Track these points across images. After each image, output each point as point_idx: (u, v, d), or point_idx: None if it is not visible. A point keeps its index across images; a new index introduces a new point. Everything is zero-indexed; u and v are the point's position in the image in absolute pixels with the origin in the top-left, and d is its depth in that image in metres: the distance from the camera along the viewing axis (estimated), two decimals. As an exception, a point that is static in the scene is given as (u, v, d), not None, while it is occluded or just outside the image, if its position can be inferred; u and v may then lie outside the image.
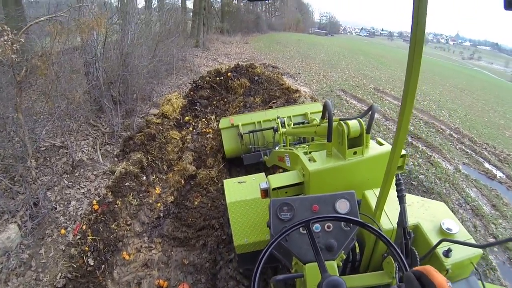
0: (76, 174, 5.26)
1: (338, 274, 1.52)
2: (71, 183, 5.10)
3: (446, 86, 17.75)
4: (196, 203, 4.67)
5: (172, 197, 4.91)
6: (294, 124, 4.79)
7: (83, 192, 4.95)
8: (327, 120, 2.38)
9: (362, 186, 2.20)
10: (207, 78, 7.43)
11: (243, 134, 5.52)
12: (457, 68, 38.57)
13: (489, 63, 71.60)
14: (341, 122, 2.24)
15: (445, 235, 1.88)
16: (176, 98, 6.67)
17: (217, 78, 7.54)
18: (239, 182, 3.37)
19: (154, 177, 5.25)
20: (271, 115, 5.73)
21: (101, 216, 4.45)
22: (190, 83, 7.84)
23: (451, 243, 1.79)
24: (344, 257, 1.68)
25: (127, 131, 6.34)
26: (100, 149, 5.84)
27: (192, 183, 5.03)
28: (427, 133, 8.31)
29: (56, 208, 4.69)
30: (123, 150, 5.57)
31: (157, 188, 5.09)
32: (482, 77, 32.69)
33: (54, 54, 4.92)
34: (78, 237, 4.11)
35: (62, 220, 4.53)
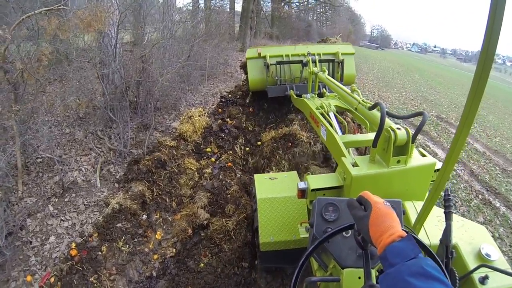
0: (66, 200, 4.55)
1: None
2: (56, 211, 4.44)
3: None
4: (202, 264, 3.74)
5: (174, 250, 4.03)
6: (322, 56, 5.42)
7: (66, 227, 4.21)
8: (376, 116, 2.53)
9: (401, 196, 2.21)
10: (239, 93, 6.24)
11: (270, 64, 5.53)
12: None
13: (549, 88, 66.91)
14: (389, 128, 2.25)
15: (484, 261, 1.89)
16: (199, 115, 5.64)
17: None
18: (270, 178, 3.45)
19: (157, 217, 4.32)
20: (301, 50, 5.73)
21: (78, 265, 3.63)
22: (221, 95, 6.74)
23: (488, 270, 1.78)
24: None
25: (138, 149, 5.40)
26: (102, 170, 5.02)
27: (202, 234, 4.09)
28: (506, 185, 6.68)
29: (31, 243, 3.97)
30: (126, 175, 4.59)
31: (158, 233, 4.17)
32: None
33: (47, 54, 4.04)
34: (44, 291, 3.33)
35: (33, 261, 3.79)
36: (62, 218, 4.22)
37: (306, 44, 6.46)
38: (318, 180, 2.48)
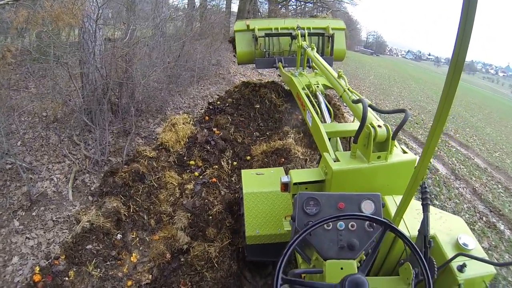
0: (33, 214, 4.23)
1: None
2: (22, 227, 4.12)
3: (508, 128, 17.88)
4: None
5: (150, 277, 3.72)
6: (312, 30, 5.38)
7: (32, 246, 3.88)
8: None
9: (382, 191, 2.12)
10: (229, 100, 5.86)
11: (259, 37, 5.45)
12: (509, 104, 39.85)
13: (541, 99, 69.23)
14: (369, 125, 2.32)
15: (461, 250, 1.95)
16: (184, 123, 5.25)
17: (244, 96, 5.97)
18: (257, 174, 3.55)
19: (133, 236, 4.00)
20: (290, 24, 5.59)
21: None
22: (209, 102, 6.37)
23: (466, 259, 1.85)
24: (364, 257, 1.74)
25: (117, 156, 5.05)
26: (75, 180, 4.62)
27: (181, 259, 3.76)
28: (510, 205, 6.53)
29: None
30: (101, 188, 4.23)
31: (133, 255, 3.86)
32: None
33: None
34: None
35: None
36: (28, 236, 3.88)
37: (295, 18, 6.50)
38: (301, 174, 2.55)
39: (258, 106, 5.95)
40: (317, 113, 3.26)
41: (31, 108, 5.66)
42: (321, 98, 3.93)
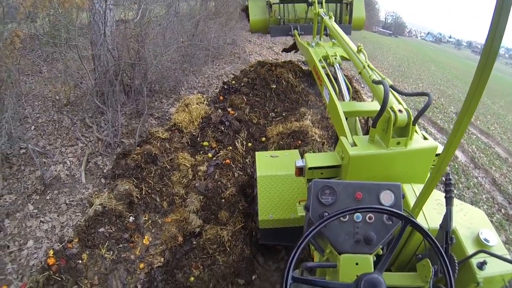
0: (47, 198, 4.24)
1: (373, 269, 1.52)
2: (36, 211, 4.14)
3: None
4: (192, 278, 3.36)
5: (162, 259, 3.66)
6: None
7: (46, 229, 3.92)
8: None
9: (400, 179, 2.09)
10: (245, 79, 5.68)
11: (273, 3, 5.24)
12: None
13: None
14: (389, 109, 2.19)
15: (482, 246, 1.88)
16: (197, 103, 5.11)
17: (260, 76, 5.77)
18: (271, 156, 3.50)
19: (145, 218, 3.95)
20: None
21: (57, 275, 3.27)
22: (224, 81, 6.21)
23: (487, 256, 1.76)
24: (381, 252, 1.66)
25: (130, 138, 4.98)
26: (88, 162, 4.60)
27: (193, 243, 3.70)
28: None
29: (8, 247, 3.66)
30: (113, 171, 4.18)
31: (146, 237, 3.82)
32: None
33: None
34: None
35: (9, 269, 3.48)
36: (42, 220, 3.90)
37: None
38: (316, 158, 2.48)
39: (274, 86, 5.80)
40: (334, 90, 3.07)
41: (44, 92, 5.66)
42: (339, 73, 3.73)
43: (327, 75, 3.31)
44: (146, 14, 6.46)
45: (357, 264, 1.56)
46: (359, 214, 1.67)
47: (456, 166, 6.77)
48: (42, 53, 6.04)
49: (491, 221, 5.05)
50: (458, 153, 7.59)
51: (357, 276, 1.48)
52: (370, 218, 1.68)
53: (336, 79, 3.53)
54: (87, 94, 5.38)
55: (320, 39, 4.51)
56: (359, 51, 3.10)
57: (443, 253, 1.39)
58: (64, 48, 5.60)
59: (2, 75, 4.40)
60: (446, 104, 11.67)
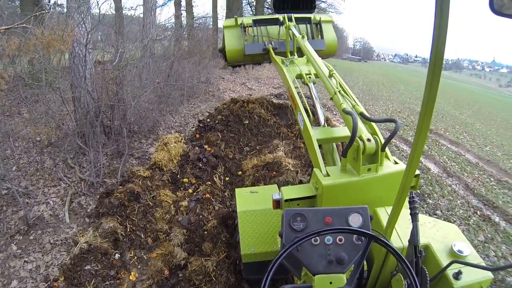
0: (31, 238, 4.24)
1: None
2: (20, 251, 4.14)
3: (497, 121, 18.09)
4: None
5: (149, 294, 3.57)
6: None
7: (30, 269, 3.92)
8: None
9: (374, 203, 2.28)
10: (219, 117, 5.99)
11: (247, 26, 5.24)
12: (497, 97, 40.38)
13: (528, 90, 75.10)
14: (358, 139, 2.32)
15: (456, 257, 1.95)
16: (175, 142, 5.34)
17: (233, 113, 6.08)
18: (251, 192, 3.54)
19: (131, 255, 4.04)
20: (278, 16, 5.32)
21: None
22: (199, 120, 6.51)
23: (461, 266, 1.84)
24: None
25: (112, 178, 5.12)
26: (72, 202, 4.68)
27: (180, 275, 3.80)
28: (503, 197, 6.76)
29: None
30: (97, 209, 4.30)
31: (132, 273, 3.91)
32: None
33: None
34: None
35: None
36: (26, 259, 3.92)
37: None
38: (292, 190, 2.54)
39: (247, 122, 6.08)
40: (308, 115, 3.12)
41: (25, 133, 5.75)
42: (314, 92, 3.80)
43: (301, 98, 3.36)
44: (123, 56, 6.75)
45: (331, 283, 1.62)
46: (329, 236, 1.74)
47: (430, 178, 7.11)
48: (22, 95, 6.15)
49: (468, 224, 5.49)
50: (430, 165, 8.01)
51: None
52: (340, 240, 1.73)
53: (310, 100, 3.70)
54: (69, 135, 5.52)
55: (294, 57, 4.46)
56: (330, 75, 3.20)
57: (408, 264, 1.44)
58: (45, 90, 5.76)
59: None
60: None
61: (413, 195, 1.84)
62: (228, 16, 17.64)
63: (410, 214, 1.81)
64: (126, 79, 6.44)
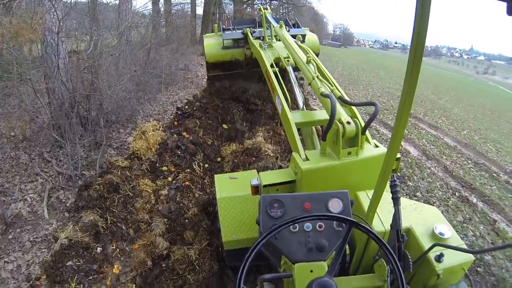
0: (9, 237, 4.17)
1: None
2: (-1, 251, 3.79)
3: (474, 106, 18.69)
4: None
5: (134, 286, 3.68)
6: None
7: (11, 270, 3.86)
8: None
9: (355, 187, 2.24)
10: (197, 104, 5.87)
11: (225, 29, 5.55)
12: (474, 84, 41.61)
13: (504, 77, 75.63)
14: (337, 121, 2.29)
15: (438, 240, 1.97)
16: (153, 130, 5.22)
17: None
18: (230, 178, 3.44)
19: (113, 248, 3.99)
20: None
21: None
22: (177, 107, 6.39)
23: (443, 248, 1.84)
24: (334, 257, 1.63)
25: (91, 170, 5.00)
26: (50, 197, 4.56)
27: (163, 265, 3.78)
28: (480, 179, 6.94)
29: None
30: (76, 202, 4.21)
31: (115, 266, 3.85)
32: (502, 94, 35.45)
33: None
34: None
35: None
36: (6, 260, 3.82)
37: None
38: (271, 175, 2.50)
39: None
40: (286, 99, 3.09)
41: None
42: (292, 76, 3.76)
43: (279, 82, 3.31)
44: (98, 45, 6.52)
45: (311, 271, 1.57)
46: (309, 223, 1.69)
47: (410, 161, 7.24)
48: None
49: (447, 205, 5.60)
50: (410, 148, 8.14)
51: None
52: (320, 226, 1.69)
53: (289, 84, 3.61)
54: (44, 128, 5.36)
55: (272, 41, 4.52)
56: (308, 62, 3.18)
57: (390, 249, 1.40)
58: (17, 83, 5.54)
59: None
60: (395, 105, 12.22)
61: (395, 179, 1.84)
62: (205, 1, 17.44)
63: (392, 198, 1.79)
64: (102, 68, 6.24)
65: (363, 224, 1.47)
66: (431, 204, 2.38)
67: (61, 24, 5.25)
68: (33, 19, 4.55)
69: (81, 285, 3.53)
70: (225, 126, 5.76)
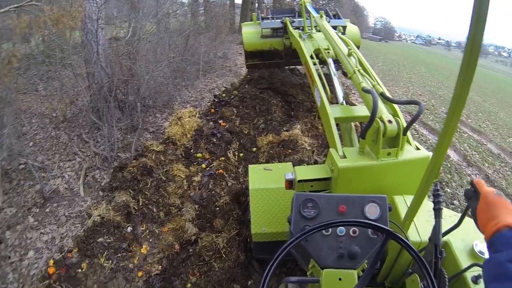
0: (47, 210, 4.34)
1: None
2: (36, 223, 4.24)
3: None
4: (189, 285, 3.44)
5: (160, 267, 3.73)
6: None
7: (46, 240, 3.99)
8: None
9: (392, 191, 2.14)
10: (235, 92, 5.88)
11: (264, 18, 5.46)
12: None
13: (558, 82, 67.82)
14: (378, 119, 2.16)
15: (477, 258, 1.79)
16: (190, 116, 5.27)
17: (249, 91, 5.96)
18: (264, 169, 3.38)
19: (143, 229, 4.06)
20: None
21: (57, 283, 3.37)
22: (215, 94, 6.41)
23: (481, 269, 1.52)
24: (366, 266, 1.57)
25: (126, 152, 5.12)
26: (86, 176, 4.71)
27: (190, 250, 3.81)
28: None
29: (10, 258, 3.74)
30: (111, 183, 4.30)
31: (144, 246, 3.92)
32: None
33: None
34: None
35: (11, 278, 3.55)
36: (42, 231, 4.00)
37: None
38: (306, 171, 2.42)
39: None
40: (326, 92, 2.97)
41: (41, 110, 5.80)
42: (333, 68, 3.57)
43: (319, 74, 3.20)
44: (136, 31, 6.65)
45: (340, 279, 1.50)
46: (342, 228, 1.60)
47: (449, 165, 6.88)
48: (37, 72, 6.18)
49: None
50: (450, 152, 7.67)
51: None
52: (354, 232, 1.60)
53: (329, 77, 3.45)
54: (83, 111, 5.54)
55: (313, 31, 4.41)
56: (349, 54, 3.05)
57: (427, 267, 1.29)
58: (59, 67, 5.76)
59: (1, 93, 4.54)
60: (437, 105, 11.77)
61: (438, 188, 1.66)
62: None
63: (434, 209, 1.63)
64: (140, 54, 6.37)
65: (401, 237, 1.38)
66: (469, 216, 2.13)
67: (100, 11, 5.40)
68: (72, 7, 4.69)
69: (110, 261, 3.61)
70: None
